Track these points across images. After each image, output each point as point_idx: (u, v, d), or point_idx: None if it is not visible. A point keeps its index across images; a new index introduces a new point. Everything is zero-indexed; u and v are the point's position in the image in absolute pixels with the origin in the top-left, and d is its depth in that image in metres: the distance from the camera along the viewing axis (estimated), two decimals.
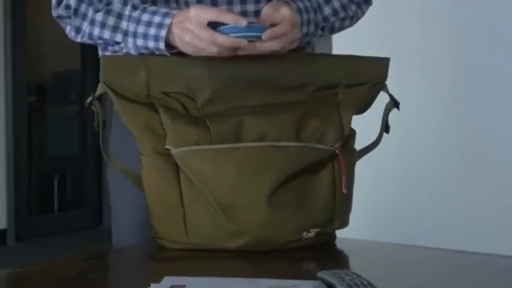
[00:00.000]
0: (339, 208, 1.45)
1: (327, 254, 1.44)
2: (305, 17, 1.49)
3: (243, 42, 1.38)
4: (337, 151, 1.44)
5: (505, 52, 2.63)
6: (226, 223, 1.39)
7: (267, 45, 1.41)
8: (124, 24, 1.47)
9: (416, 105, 2.67)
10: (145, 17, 1.44)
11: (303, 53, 1.57)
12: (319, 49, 1.68)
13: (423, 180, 2.76)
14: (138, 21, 1.45)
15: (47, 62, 6.41)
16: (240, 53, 1.41)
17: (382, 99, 1.52)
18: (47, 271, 1.33)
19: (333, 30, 1.60)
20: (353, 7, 1.59)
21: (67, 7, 1.51)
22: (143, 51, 1.46)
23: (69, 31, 1.53)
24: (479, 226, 2.60)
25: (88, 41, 1.52)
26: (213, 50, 1.39)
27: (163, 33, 1.42)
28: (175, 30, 1.42)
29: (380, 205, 2.81)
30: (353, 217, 1.49)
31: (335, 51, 2.62)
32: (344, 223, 1.48)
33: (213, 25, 1.39)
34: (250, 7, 1.54)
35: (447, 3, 2.74)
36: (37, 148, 6.24)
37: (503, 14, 2.63)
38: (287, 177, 1.40)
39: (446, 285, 1.27)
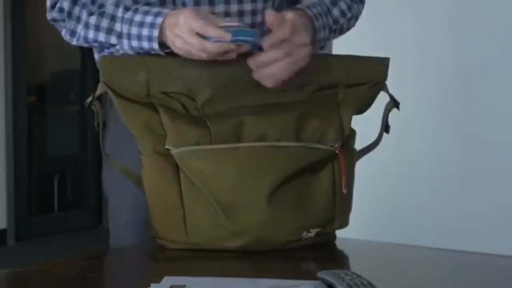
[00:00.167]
0: (339, 208, 1.45)
1: (327, 254, 1.44)
2: (320, 22, 1.49)
3: (232, 46, 1.37)
4: (337, 151, 1.44)
5: (505, 52, 2.63)
6: (226, 223, 1.39)
7: (270, 55, 1.37)
8: (117, 26, 1.46)
9: (416, 105, 2.67)
10: (138, 17, 1.44)
11: None
12: None
13: (423, 180, 2.76)
14: (131, 22, 1.45)
15: (47, 62, 6.41)
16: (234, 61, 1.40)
17: (382, 99, 1.52)
18: (47, 271, 1.33)
19: (341, 32, 1.59)
20: (356, 6, 1.59)
21: (61, 10, 1.50)
22: (139, 51, 1.46)
23: (64, 34, 1.53)
24: (479, 226, 2.60)
25: (84, 44, 1.52)
26: (202, 56, 1.39)
27: (155, 33, 1.42)
28: (167, 33, 1.41)
29: (380, 205, 2.81)
30: (353, 217, 1.49)
31: (335, 51, 2.62)
32: (344, 223, 1.48)
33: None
34: (247, 7, 1.53)
35: (447, 3, 2.74)
36: (37, 148, 6.24)
37: (503, 14, 2.63)
38: (287, 177, 1.40)
39: (446, 285, 1.27)
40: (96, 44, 1.50)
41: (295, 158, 1.41)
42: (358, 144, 1.50)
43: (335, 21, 1.55)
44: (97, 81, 1.45)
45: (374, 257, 1.46)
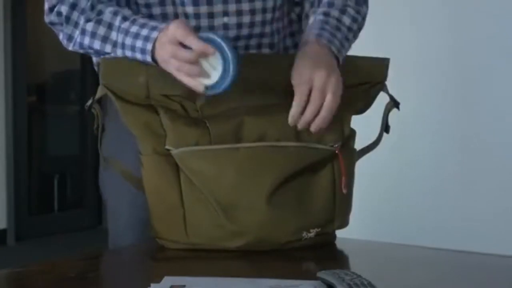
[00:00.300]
0: (339, 208, 1.45)
1: (327, 254, 1.44)
2: (336, 43, 1.47)
3: (211, 49, 1.35)
4: (337, 151, 1.44)
5: (505, 52, 2.63)
6: (226, 223, 1.39)
7: (308, 114, 1.38)
8: (113, 35, 1.45)
9: (416, 105, 2.67)
10: (134, 29, 1.43)
11: None
12: None
13: (423, 180, 2.76)
14: (126, 33, 1.44)
15: (47, 62, 6.40)
16: None
17: (382, 99, 1.52)
18: (47, 271, 1.33)
19: (356, 36, 1.57)
20: (361, 9, 1.57)
21: (59, 14, 1.49)
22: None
23: (62, 38, 1.52)
24: (479, 226, 2.60)
25: (80, 50, 1.50)
26: (174, 65, 1.37)
27: (149, 46, 1.40)
28: (156, 44, 1.39)
29: (380, 205, 2.81)
30: (352, 217, 1.49)
31: None
32: (344, 223, 1.48)
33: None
34: (245, 6, 1.53)
35: (447, 4, 2.74)
36: (37, 148, 6.24)
37: (502, 14, 2.63)
38: (287, 177, 1.40)
39: (446, 285, 1.27)
40: (91, 51, 1.49)
41: (295, 158, 1.41)
42: (359, 144, 1.50)
43: (349, 29, 1.53)
44: (97, 82, 1.45)
45: (374, 257, 1.46)
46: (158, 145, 1.41)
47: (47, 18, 1.52)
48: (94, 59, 1.58)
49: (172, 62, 1.37)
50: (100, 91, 1.43)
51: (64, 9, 1.49)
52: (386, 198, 2.82)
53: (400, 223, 2.73)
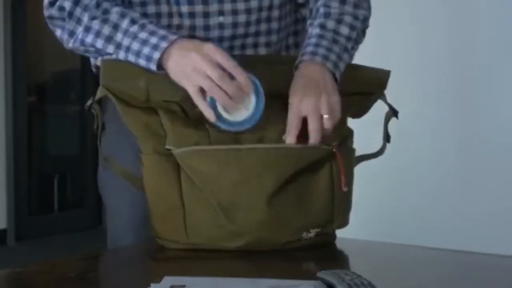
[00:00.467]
0: (338, 207, 1.45)
1: (327, 254, 1.44)
2: (332, 57, 1.46)
3: (250, 90, 1.37)
4: (334, 150, 1.43)
5: (504, 53, 2.63)
6: (226, 224, 1.39)
7: (313, 137, 1.40)
8: (119, 37, 1.44)
9: (416, 105, 2.67)
10: (143, 35, 1.42)
11: None
12: None
13: (423, 180, 2.76)
14: (134, 37, 1.42)
15: (47, 62, 6.40)
16: None
17: (381, 106, 1.52)
18: (47, 271, 1.33)
19: (359, 40, 1.56)
20: (359, 11, 1.56)
21: (61, 8, 1.48)
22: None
23: (60, 34, 1.51)
24: (479, 226, 2.60)
25: (80, 47, 1.49)
26: (206, 85, 1.37)
27: (156, 55, 1.39)
28: (173, 51, 1.39)
29: (380, 205, 2.81)
30: (352, 216, 1.49)
31: None
32: (343, 223, 1.48)
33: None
34: (240, 6, 1.52)
35: (447, 4, 2.74)
36: (37, 148, 6.24)
37: (501, 14, 2.63)
38: (287, 178, 1.40)
39: (446, 285, 1.27)
40: (92, 49, 1.48)
41: (296, 158, 1.41)
42: (359, 148, 1.50)
43: (348, 38, 1.51)
44: (97, 82, 1.45)
45: (374, 257, 1.46)
46: (158, 145, 1.41)
47: (46, 12, 1.51)
48: (92, 61, 1.58)
49: (200, 80, 1.36)
50: (100, 92, 1.43)
51: (67, 4, 1.48)
52: (386, 198, 2.82)
53: (400, 223, 2.73)
